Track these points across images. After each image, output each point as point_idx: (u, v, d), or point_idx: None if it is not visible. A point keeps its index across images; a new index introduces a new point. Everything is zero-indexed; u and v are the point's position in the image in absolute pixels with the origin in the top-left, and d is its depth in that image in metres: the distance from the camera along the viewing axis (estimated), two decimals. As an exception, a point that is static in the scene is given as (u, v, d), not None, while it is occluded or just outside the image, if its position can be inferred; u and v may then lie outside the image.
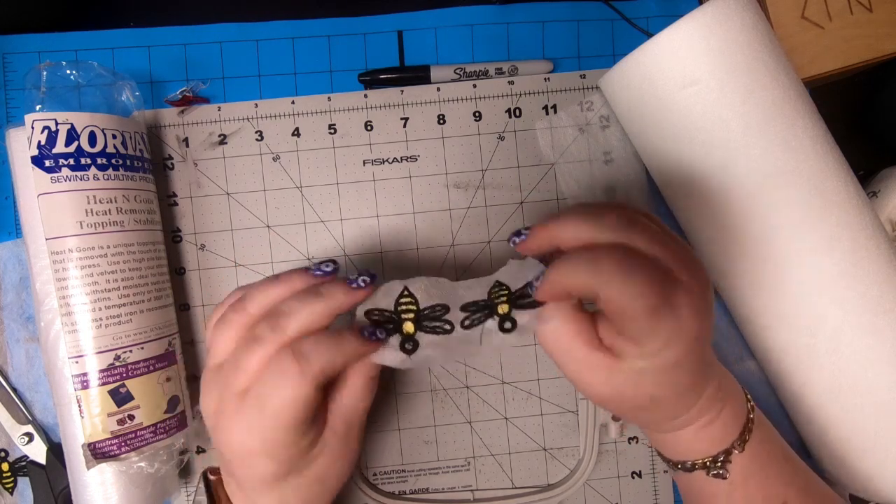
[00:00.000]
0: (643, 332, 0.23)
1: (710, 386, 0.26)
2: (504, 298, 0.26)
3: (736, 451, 0.27)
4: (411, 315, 0.27)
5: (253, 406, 0.23)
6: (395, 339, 0.26)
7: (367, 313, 0.27)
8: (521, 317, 0.26)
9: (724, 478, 0.27)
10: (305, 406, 0.23)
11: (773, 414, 0.30)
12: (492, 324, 0.26)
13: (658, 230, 0.24)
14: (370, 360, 0.26)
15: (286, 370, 0.23)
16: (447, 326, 0.26)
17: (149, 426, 0.31)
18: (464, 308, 0.27)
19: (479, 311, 0.27)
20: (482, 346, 0.26)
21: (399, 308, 0.27)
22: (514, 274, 0.27)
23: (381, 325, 0.26)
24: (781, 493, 0.28)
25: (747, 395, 0.29)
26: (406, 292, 0.27)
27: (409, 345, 0.26)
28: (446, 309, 0.27)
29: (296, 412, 0.23)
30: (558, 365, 0.26)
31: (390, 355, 0.26)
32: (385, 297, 0.27)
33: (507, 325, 0.26)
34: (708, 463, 0.27)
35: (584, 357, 0.24)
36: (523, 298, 0.26)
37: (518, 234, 0.27)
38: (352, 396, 0.26)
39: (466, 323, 0.26)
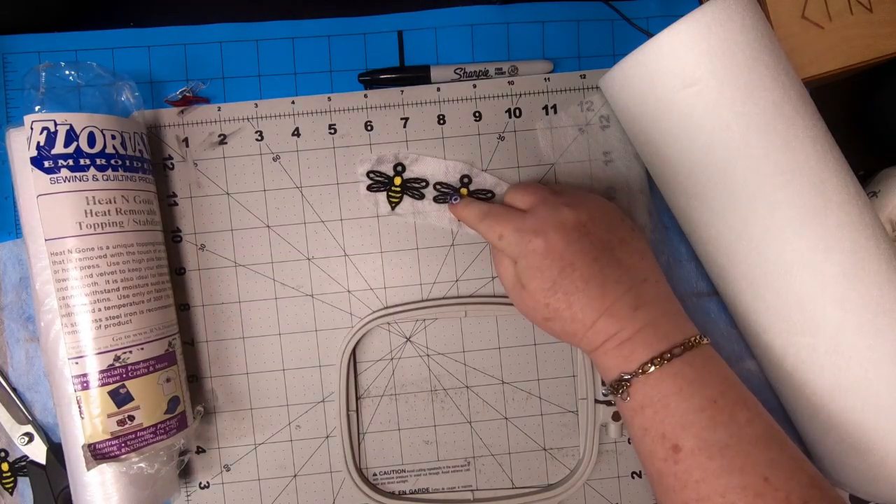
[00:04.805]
0: (508, 252, 0.32)
1: (620, 303, 0.30)
2: (467, 188, 0.37)
3: (637, 376, 0.29)
4: (400, 179, 0.37)
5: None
6: (382, 196, 0.37)
7: (369, 174, 0.37)
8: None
9: (623, 399, 0.30)
10: None
11: (773, 414, 0.30)
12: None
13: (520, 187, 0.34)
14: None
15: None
16: (423, 192, 0.37)
17: (149, 427, 0.31)
18: (437, 186, 0.37)
19: (447, 190, 0.37)
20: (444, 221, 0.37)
21: (394, 171, 0.37)
22: (483, 178, 0.37)
23: (377, 182, 0.37)
24: (676, 436, 0.28)
25: (700, 336, 0.30)
26: (399, 165, 0.37)
27: (395, 198, 0.37)
28: (426, 182, 0.37)
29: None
30: (499, 278, 0.34)
31: (382, 207, 0.37)
32: (382, 164, 0.37)
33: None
34: (615, 383, 0.30)
35: (511, 276, 0.32)
36: (481, 193, 0.37)
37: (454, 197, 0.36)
38: None
39: (437, 197, 0.37)
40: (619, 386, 0.30)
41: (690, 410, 0.28)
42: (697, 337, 0.30)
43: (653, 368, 0.29)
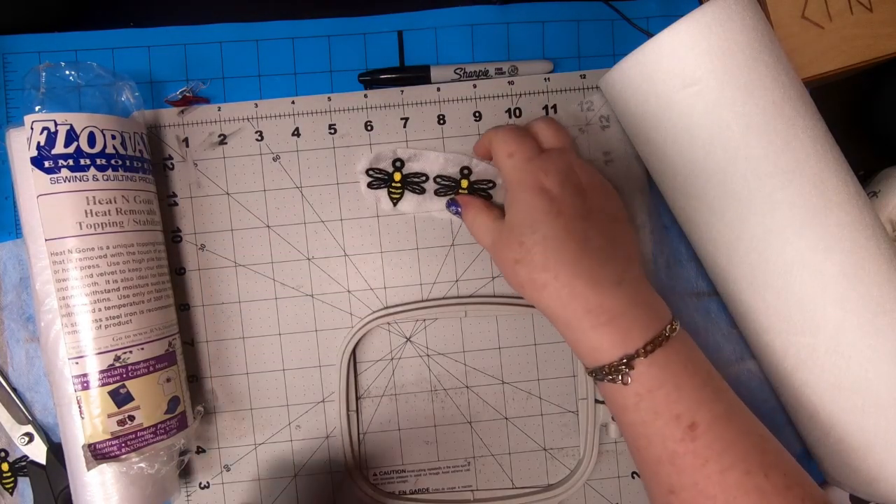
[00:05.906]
0: (507, 172, 0.32)
1: (601, 272, 0.29)
2: (467, 179, 0.37)
3: (641, 358, 0.28)
4: (399, 175, 0.37)
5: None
6: (383, 193, 0.37)
7: (368, 171, 0.37)
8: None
9: (625, 383, 0.28)
10: None
11: (773, 414, 0.30)
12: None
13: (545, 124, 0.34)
14: None
15: None
16: (423, 186, 0.37)
17: (149, 427, 0.31)
18: (437, 179, 0.37)
19: (447, 182, 0.37)
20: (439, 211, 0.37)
21: (393, 167, 0.37)
22: (483, 168, 0.37)
23: (377, 179, 0.37)
24: (692, 413, 0.27)
25: (673, 320, 0.30)
26: (398, 161, 0.37)
27: (396, 194, 0.36)
28: (426, 177, 0.37)
29: None
30: (479, 240, 0.34)
31: (384, 204, 0.37)
32: (380, 161, 0.37)
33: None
34: (611, 367, 0.28)
35: (490, 224, 0.33)
36: (481, 184, 0.37)
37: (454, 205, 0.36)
38: None
39: (438, 190, 0.37)
40: (617, 370, 0.28)
41: (698, 387, 0.28)
42: (674, 318, 0.30)
43: (657, 349, 0.28)
